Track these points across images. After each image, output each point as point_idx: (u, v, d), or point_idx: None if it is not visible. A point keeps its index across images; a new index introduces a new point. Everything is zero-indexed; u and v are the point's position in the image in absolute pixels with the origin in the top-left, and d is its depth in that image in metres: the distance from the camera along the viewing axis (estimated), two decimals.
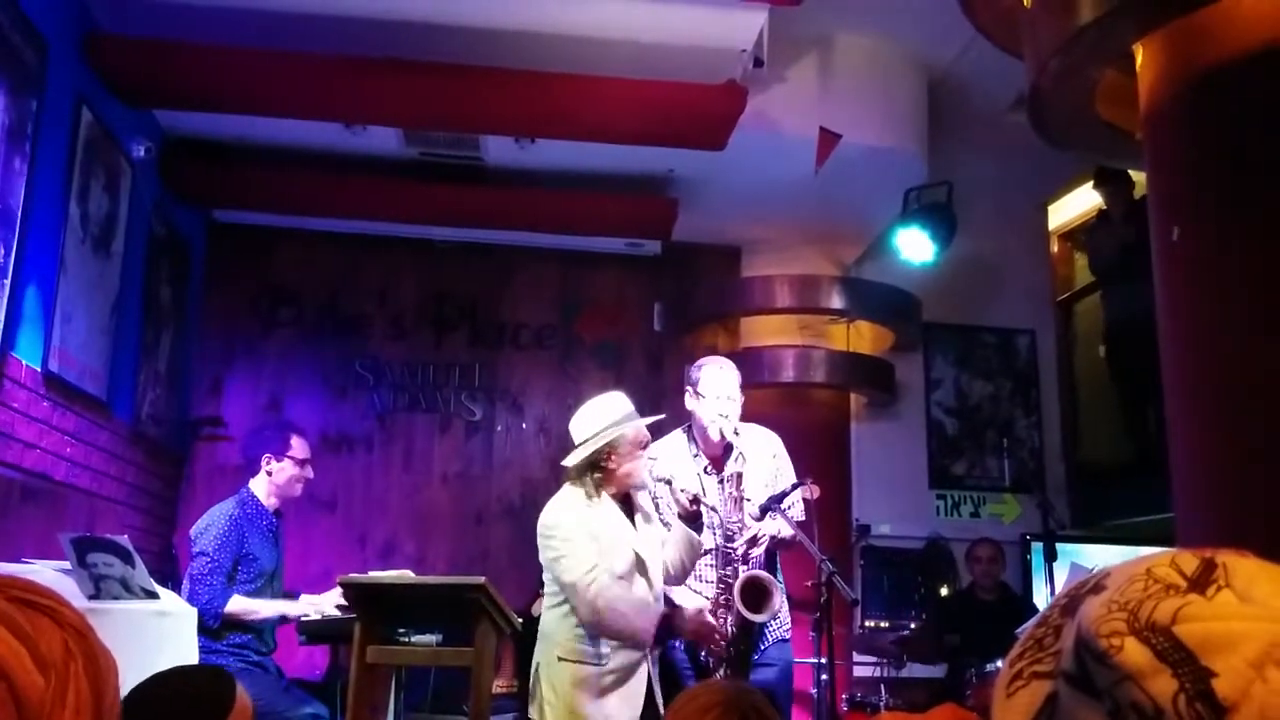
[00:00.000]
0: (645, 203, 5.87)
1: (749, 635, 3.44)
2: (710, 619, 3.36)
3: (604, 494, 3.27)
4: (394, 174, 5.73)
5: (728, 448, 3.60)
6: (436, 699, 4.64)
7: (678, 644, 3.53)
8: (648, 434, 3.33)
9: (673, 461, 3.58)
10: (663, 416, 3.51)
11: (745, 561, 3.47)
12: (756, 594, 3.38)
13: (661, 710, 3.13)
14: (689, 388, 3.67)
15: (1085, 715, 0.60)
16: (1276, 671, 0.56)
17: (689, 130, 4.91)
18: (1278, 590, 0.60)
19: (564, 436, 3.49)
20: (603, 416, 3.26)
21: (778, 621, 3.63)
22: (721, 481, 3.55)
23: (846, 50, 5.36)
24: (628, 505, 3.34)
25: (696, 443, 3.68)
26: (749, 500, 3.51)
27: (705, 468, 3.64)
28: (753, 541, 3.49)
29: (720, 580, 3.46)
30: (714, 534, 3.50)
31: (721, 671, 3.37)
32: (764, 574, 3.43)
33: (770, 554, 3.65)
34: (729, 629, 3.38)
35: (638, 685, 3.19)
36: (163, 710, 1.71)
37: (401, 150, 5.55)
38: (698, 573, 3.52)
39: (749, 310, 6.37)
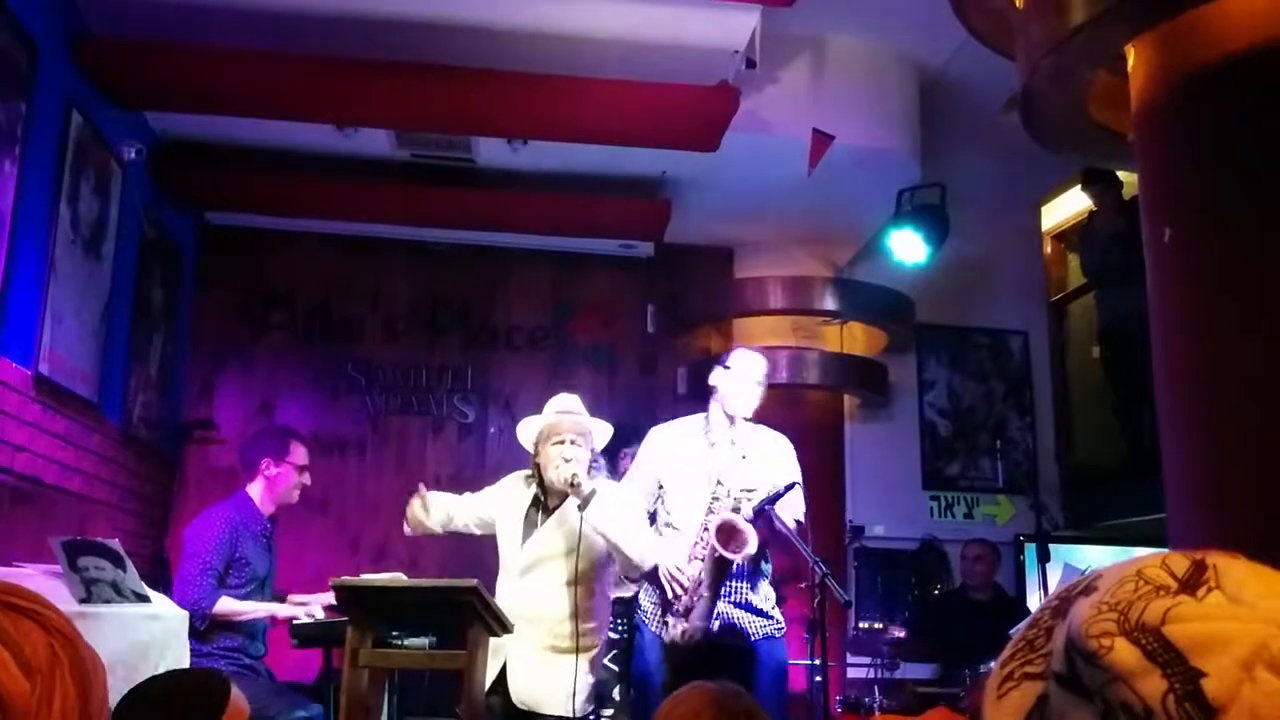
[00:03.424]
0: (638, 204, 5.87)
1: (720, 581, 3.54)
2: (673, 570, 3.53)
3: (533, 485, 3.62)
4: (386, 176, 5.71)
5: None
6: (430, 702, 4.62)
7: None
8: (566, 432, 3.51)
9: (682, 438, 3.75)
10: (609, 427, 3.69)
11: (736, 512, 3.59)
12: (730, 536, 3.48)
13: (511, 691, 3.41)
14: (719, 366, 3.81)
15: (1076, 716, 0.60)
16: (1266, 672, 0.56)
17: (681, 131, 4.91)
18: (1268, 592, 0.60)
19: None
20: (545, 410, 3.62)
21: (768, 618, 3.66)
22: (732, 442, 3.67)
23: (839, 51, 5.36)
24: (560, 502, 3.54)
25: (709, 423, 3.77)
26: (750, 480, 3.64)
27: (713, 443, 3.72)
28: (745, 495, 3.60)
29: (702, 526, 3.55)
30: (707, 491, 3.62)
31: (680, 628, 3.47)
32: (738, 518, 3.51)
33: (761, 550, 3.66)
34: (701, 575, 3.50)
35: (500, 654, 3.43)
36: (157, 712, 1.72)
37: (393, 152, 5.54)
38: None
39: (742, 311, 6.37)
